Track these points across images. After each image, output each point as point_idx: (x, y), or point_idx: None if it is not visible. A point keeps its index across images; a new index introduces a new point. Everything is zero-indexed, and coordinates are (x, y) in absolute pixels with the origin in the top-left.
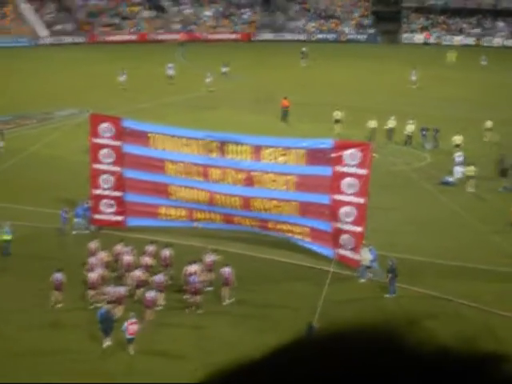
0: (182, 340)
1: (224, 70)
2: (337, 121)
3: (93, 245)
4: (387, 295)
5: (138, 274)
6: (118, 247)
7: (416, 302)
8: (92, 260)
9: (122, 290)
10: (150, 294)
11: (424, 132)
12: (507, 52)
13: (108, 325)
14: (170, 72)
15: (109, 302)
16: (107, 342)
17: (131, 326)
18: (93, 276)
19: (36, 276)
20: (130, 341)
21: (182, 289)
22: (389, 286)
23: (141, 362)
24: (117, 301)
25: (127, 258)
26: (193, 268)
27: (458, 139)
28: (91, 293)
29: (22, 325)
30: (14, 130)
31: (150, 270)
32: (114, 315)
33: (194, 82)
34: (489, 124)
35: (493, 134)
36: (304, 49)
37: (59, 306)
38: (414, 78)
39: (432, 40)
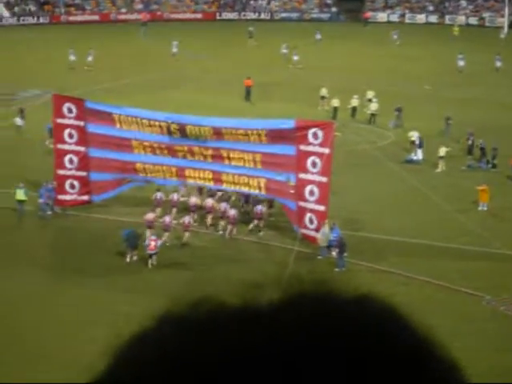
0: None
1: (318, 37)
2: (322, 97)
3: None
4: (336, 269)
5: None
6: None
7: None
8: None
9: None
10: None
11: (397, 112)
12: (470, 30)
13: (133, 241)
14: (174, 50)
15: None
16: (134, 257)
17: (152, 243)
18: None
19: None
20: (151, 256)
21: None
22: (337, 261)
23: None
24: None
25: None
26: (210, 201)
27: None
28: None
29: None
30: None
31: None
32: (139, 234)
33: (158, 62)
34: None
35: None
36: (251, 28)
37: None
38: (296, 57)
39: (395, 18)
